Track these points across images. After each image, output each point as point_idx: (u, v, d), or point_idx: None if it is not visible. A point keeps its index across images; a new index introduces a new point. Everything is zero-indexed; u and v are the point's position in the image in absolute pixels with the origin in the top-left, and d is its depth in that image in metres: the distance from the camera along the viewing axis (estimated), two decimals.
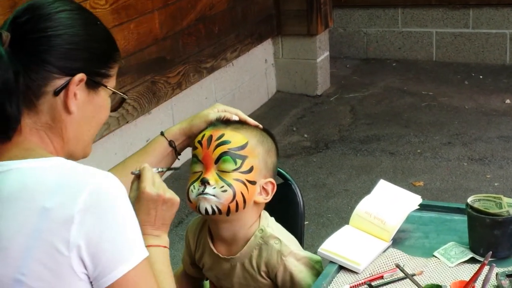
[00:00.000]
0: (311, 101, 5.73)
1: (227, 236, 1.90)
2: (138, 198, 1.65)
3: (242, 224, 1.87)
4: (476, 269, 1.69)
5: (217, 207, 1.80)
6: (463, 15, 6.26)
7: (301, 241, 2.12)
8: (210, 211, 1.80)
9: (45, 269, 1.38)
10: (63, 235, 1.36)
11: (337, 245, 1.89)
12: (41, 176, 1.42)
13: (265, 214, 1.93)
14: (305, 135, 5.11)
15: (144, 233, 1.63)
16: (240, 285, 1.92)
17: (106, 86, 1.55)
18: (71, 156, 1.54)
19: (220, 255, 1.92)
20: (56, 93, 1.48)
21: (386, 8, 6.50)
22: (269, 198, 1.88)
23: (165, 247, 1.67)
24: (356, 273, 1.82)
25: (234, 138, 1.82)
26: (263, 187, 1.86)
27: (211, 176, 1.80)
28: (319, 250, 1.88)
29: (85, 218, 1.37)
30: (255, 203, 1.86)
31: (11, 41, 1.45)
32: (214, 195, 1.79)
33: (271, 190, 1.87)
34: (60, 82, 1.48)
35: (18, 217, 1.39)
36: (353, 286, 1.77)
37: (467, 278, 1.69)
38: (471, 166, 4.44)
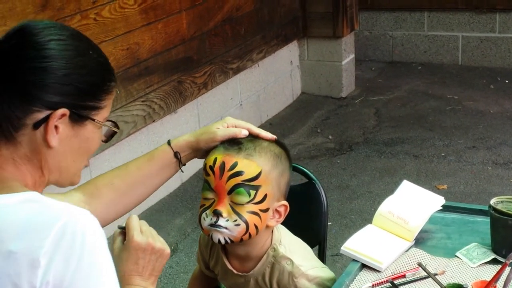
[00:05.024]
0: (336, 103, 5.74)
1: (241, 254, 1.91)
2: (126, 247, 1.57)
3: (255, 245, 1.88)
4: (497, 270, 1.70)
5: (230, 239, 1.80)
6: (490, 19, 6.24)
7: (324, 240, 2.15)
8: (223, 241, 1.80)
9: None
10: (29, 279, 1.29)
11: (360, 243, 1.91)
12: (10, 215, 1.33)
13: (277, 227, 1.91)
14: (330, 137, 5.13)
15: (130, 283, 1.57)
16: None
17: (93, 120, 1.45)
18: (56, 184, 1.49)
19: (234, 270, 1.93)
20: (36, 126, 1.39)
21: (412, 12, 6.49)
22: (281, 220, 1.87)
23: None
24: (379, 271, 1.84)
25: (248, 168, 1.77)
26: (276, 210, 1.84)
27: (224, 208, 1.78)
28: (342, 248, 1.90)
29: (52, 259, 1.29)
30: (268, 226, 1.85)
31: None
32: (226, 228, 1.78)
33: (284, 211, 1.86)
34: (40, 115, 1.38)
35: None
36: (375, 284, 1.79)
37: (488, 278, 1.70)
38: (496, 170, 4.43)
